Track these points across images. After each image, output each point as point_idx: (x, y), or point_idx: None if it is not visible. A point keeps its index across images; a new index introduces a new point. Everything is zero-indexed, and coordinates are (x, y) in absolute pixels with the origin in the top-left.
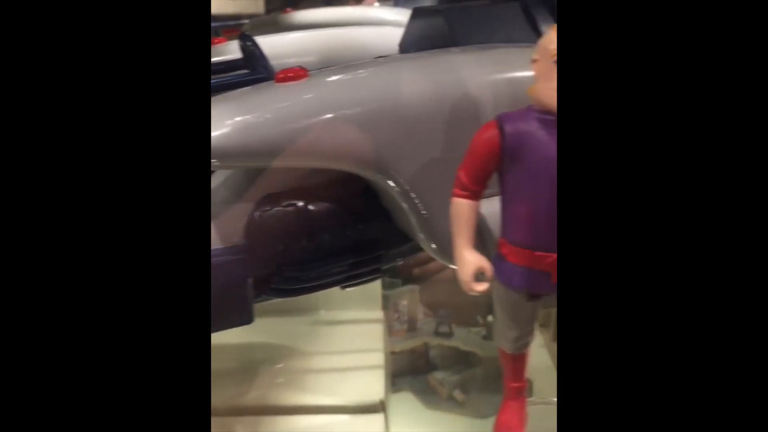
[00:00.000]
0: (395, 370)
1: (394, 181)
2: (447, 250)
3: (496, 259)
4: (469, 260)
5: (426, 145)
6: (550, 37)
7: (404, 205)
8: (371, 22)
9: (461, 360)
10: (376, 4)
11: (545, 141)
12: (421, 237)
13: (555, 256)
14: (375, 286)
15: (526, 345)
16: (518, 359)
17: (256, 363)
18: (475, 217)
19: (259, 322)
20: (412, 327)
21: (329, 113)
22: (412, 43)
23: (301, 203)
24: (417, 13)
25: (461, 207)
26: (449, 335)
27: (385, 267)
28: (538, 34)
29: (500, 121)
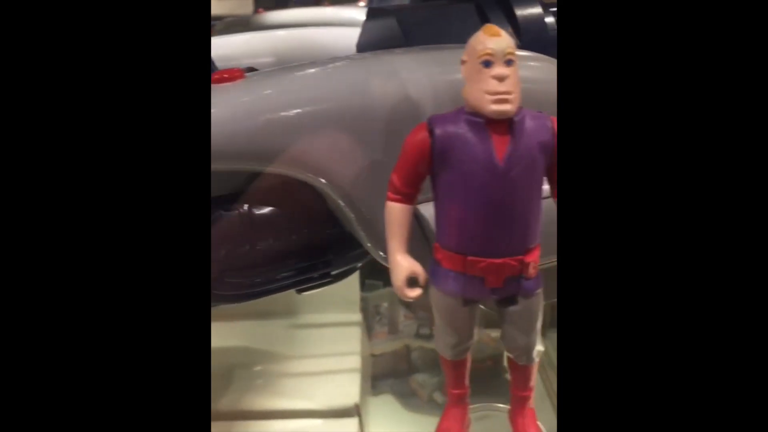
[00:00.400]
0: (376, 373)
1: (335, 185)
2: None
3: (432, 265)
4: (402, 265)
5: (366, 147)
6: (477, 38)
7: (347, 210)
8: (344, 22)
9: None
10: (362, 3)
11: (474, 143)
12: (369, 246)
13: (488, 261)
14: (354, 289)
15: (466, 351)
16: (459, 365)
17: (231, 367)
18: (408, 221)
19: (236, 326)
20: (393, 329)
21: (264, 115)
22: (368, 45)
23: (244, 207)
24: (371, 15)
25: (394, 211)
26: (430, 337)
27: (335, 272)
28: None
29: (430, 124)
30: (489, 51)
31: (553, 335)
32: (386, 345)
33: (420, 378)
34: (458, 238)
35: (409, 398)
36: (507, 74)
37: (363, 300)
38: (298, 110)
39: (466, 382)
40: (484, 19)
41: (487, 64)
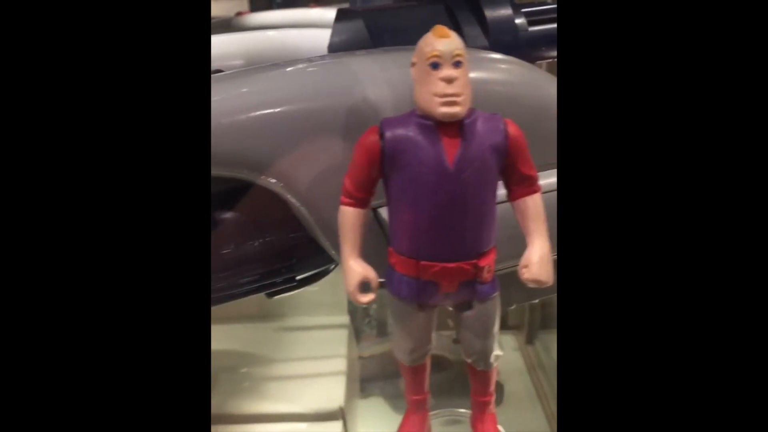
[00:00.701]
0: (365, 375)
1: (292, 189)
2: None
3: (388, 270)
4: (355, 270)
5: (324, 150)
6: (426, 39)
7: (306, 214)
8: (327, 24)
9: (431, 364)
10: None
11: (423, 146)
12: (333, 254)
13: (441, 265)
14: (341, 291)
15: (424, 356)
16: (418, 371)
17: (216, 370)
18: (361, 226)
19: (222, 329)
20: (382, 331)
21: (219, 119)
22: (339, 46)
23: None
24: (340, 16)
25: (347, 215)
26: None
27: (300, 277)
28: (462, 35)
29: (381, 127)
30: (436, 53)
31: (544, 337)
32: (375, 347)
33: None
34: (410, 243)
35: (398, 400)
36: (455, 76)
37: (351, 302)
38: (255, 113)
39: (426, 387)
40: (454, 21)
41: (435, 66)
